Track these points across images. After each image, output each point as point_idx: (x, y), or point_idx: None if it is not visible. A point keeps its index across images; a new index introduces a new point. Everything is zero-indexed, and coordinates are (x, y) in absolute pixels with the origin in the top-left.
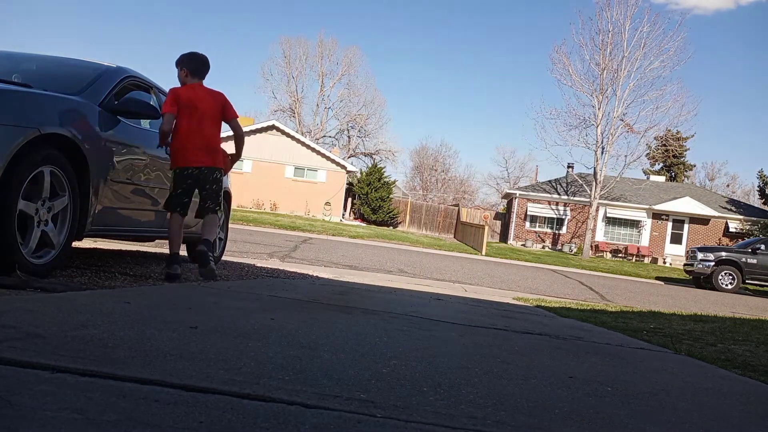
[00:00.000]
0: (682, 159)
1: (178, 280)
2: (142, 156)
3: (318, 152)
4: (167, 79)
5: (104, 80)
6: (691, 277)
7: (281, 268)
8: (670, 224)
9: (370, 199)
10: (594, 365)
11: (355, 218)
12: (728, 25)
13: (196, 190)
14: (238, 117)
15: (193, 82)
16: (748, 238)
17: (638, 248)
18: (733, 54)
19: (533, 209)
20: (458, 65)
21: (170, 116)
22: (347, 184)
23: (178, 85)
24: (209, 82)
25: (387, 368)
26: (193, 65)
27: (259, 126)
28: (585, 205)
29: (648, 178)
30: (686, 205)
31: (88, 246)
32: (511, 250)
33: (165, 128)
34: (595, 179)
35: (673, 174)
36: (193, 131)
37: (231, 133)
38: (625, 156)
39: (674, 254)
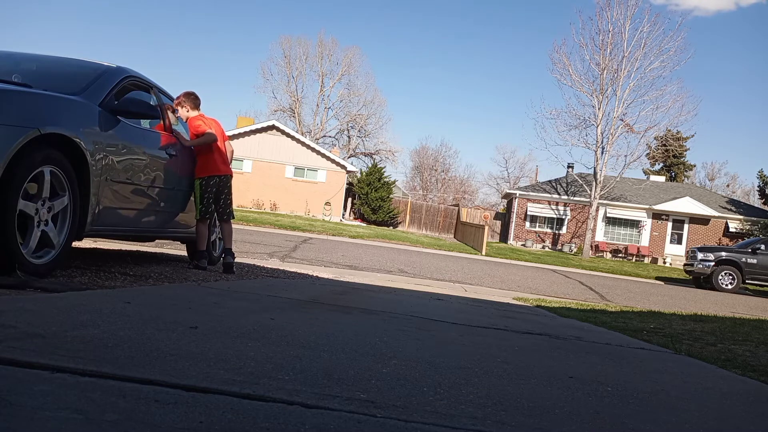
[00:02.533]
0: (682, 159)
1: (205, 271)
2: (142, 156)
3: (318, 152)
4: (167, 79)
5: (104, 80)
6: (691, 277)
7: (281, 268)
8: (670, 224)
9: (370, 199)
10: (594, 365)
11: (355, 218)
12: (729, 26)
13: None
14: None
15: (196, 114)
16: (748, 238)
17: (638, 248)
18: (734, 54)
19: (533, 209)
20: (458, 65)
21: (214, 133)
22: (347, 184)
23: (169, 90)
24: (203, 87)
25: (387, 368)
26: (192, 101)
27: (259, 126)
28: (585, 205)
29: (648, 178)
30: (686, 205)
31: (88, 246)
32: (511, 250)
33: (212, 140)
34: (595, 179)
35: (673, 174)
36: (215, 149)
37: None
38: (625, 156)
39: (674, 254)
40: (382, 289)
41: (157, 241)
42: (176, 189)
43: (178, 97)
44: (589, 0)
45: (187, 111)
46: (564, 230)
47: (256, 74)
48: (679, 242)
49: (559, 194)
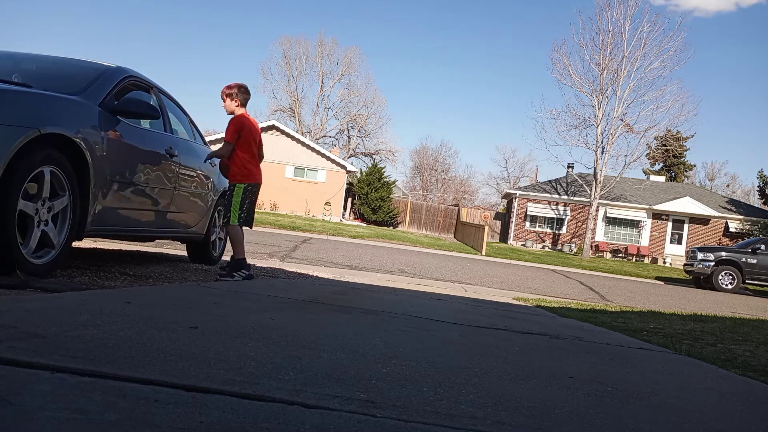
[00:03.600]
0: (682, 159)
1: (252, 279)
2: (143, 156)
3: (318, 152)
4: (167, 79)
5: (104, 80)
6: (691, 277)
7: (281, 268)
8: (670, 224)
9: (370, 199)
10: (594, 365)
11: (355, 218)
12: (728, 27)
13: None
14: None
15: (241, 112)
16: (748, 238)
17: (638, 248)
18: (734, 55)
19: (533, 209)
20: (459, 65)
21: (232, 145)
22: (347, 184)
23: (169, 89)
24: (203, 86)
25: (387, 368)
26: (243, 97)
27: (259, 126)
28: (585, 205)
29: (648, 178)
30: (686, 205)
31: (88, 246)
32: (511, 250)
33: (221, 155)
34: (595, 179)
35: (673, 174)
36: (257, 156)
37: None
38: (625, 156)
39: (674, 254)
40: (382, 289)
41: (157, 241)
42: (176, 189)
43: (231, 87)
44: (589, 0)
45: (237, 105)
46: (564, 230)
47: (256, 74)
48: (679, 242)
49: (559, 194)
